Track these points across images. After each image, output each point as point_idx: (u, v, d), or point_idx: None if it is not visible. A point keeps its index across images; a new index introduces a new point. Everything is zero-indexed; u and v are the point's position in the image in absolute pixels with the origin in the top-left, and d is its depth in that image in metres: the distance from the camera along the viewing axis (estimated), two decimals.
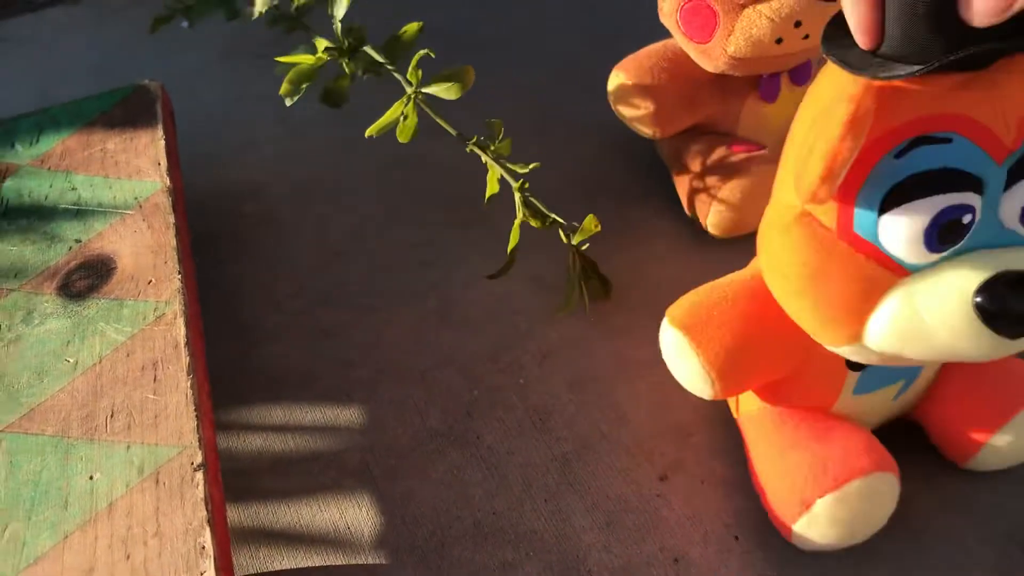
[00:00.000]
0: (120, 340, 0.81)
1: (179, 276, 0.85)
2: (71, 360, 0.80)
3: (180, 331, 0.80)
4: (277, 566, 0.78)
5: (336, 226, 1.09)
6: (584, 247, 0.90)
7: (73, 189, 0.96)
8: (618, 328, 0.93)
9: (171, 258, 0.87)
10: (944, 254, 0.57)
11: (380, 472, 0.84)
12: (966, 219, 0.56)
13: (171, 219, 0.91)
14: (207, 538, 0.65)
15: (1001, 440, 0.69)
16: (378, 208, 1.11)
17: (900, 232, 0.56)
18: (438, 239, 1.06)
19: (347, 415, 0.89)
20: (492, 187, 0.87)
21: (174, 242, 0.88)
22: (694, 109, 1.00)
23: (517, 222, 0.86)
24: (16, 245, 0.91)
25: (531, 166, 0.85)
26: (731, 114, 1.00)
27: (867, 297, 0.58)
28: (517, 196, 0.85)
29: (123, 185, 0.96)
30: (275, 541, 0.80)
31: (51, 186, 0.97)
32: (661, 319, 0.73)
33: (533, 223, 0.86)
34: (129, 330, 0.81)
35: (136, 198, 0.94)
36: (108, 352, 0.80)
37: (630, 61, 1.00)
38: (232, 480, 0.84)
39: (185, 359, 0.78)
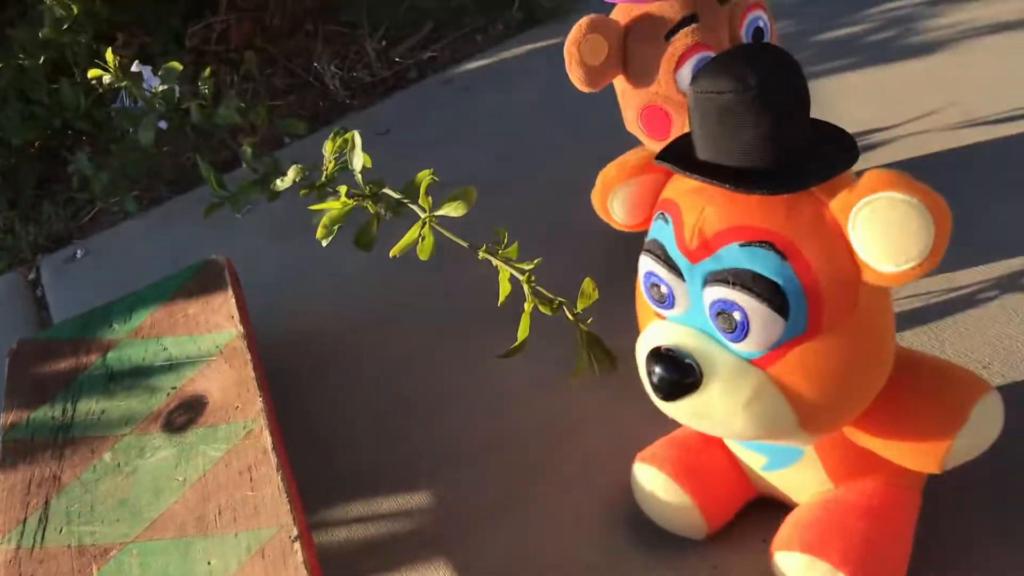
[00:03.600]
0: (219, 456, 0.96)
1: (260, 399, 1.01)
2: (180, 478, 0.95)
3: (267, 440, 0.95)
4: None
5: (389, 355, 1.26)
6: (589, 321, 1.02)
7: (164, 349, 1.14)
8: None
9: (252, 387, 1.03)
10: (669, 315, 0.73)
11: (452, 540, 0.97)
12: (664, 289, 0.72)
13: (247, 357, 1.08)
14: None
15: (964, 439, 0.74)
16: (422, 335, 1.27)
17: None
18: (474, 350, 1.21)
19: (416, 500, 1.03)
20: (504, 287, 1.02)
21: (252, 374, 1.05)
22: None
23: (527, 309, 1.01)
24: (124, 400, 1.08)
25: (535, 261, 1.00)
26: None
27: None
28: (526, 287, 1.00)
29: (205, 339, 1.13)
30: None
31: (146, 350, 1.15)
32: None
33: (543, 308, 1.00)
34: (225, 447, 0.97)
35: (217, 346, 1.11)
36: (210, 467, 0.95)
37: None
38: (331, 568, 0.97)
39: (273, 460, 0.93)
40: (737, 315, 0.67)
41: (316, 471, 1.10)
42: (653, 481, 0.87)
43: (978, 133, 1.33)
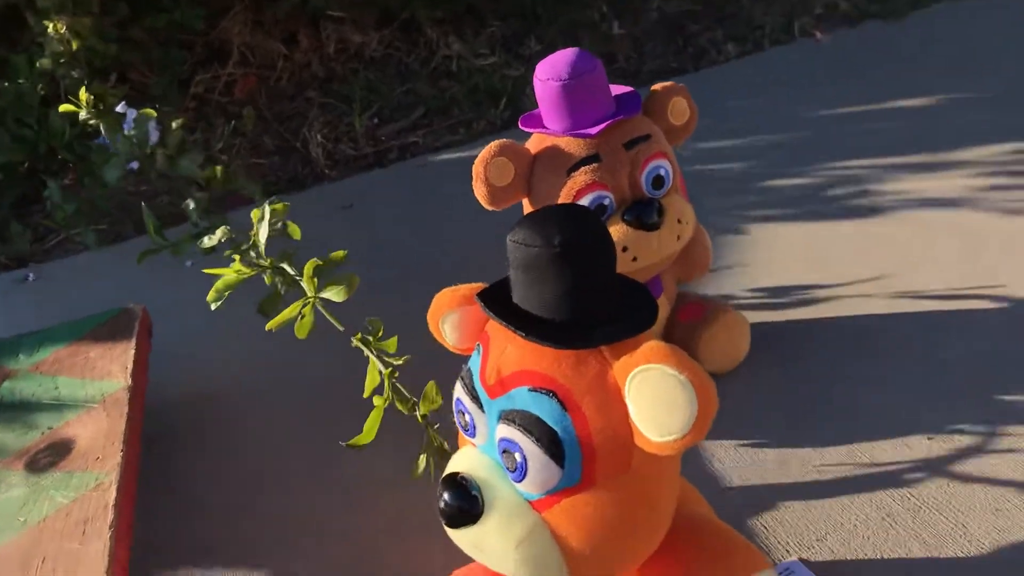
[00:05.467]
0: (65, 503, 0.99)
1: (120, 453, 1.04)
2: (22, 519, 0.98)
3: (112, 495, 0.98)
4: None
5: (281, 422, 1.29)
6: (437, 426, 1.05)
7: (56, 388, 1.18)
8: None
9: (117, 440, 1.06)
10: (476, 443, 0.77)
11: None
12: (467, 417, 0.75)
13: (125, 410, 1.11)
14: None
15: None
16: (318, 404, 1.31)
17: None
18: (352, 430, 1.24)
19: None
20: (372, 377, 1.05)
21: (123, 427, 1.08)
22: None
23: (380, 404, 1.03)
24: (2, 432, 1.12)
25: (404, 358, 1.03)
26: None
27: None
28: (386, 382, 1.04)
29: (95, 385, 1.17)
30: None
31: (39, 386, 1.19)
32: None
33: (400, 406, 1.03)
34: (73, 495, 1.00)
35: (103, 394, 1.15)
36: (52, 512, 0.98)
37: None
38: None
39: (110, 516, 0.95)
40: (518, 456, 0.70)
41: (171, 532, 1.12)
42: None
43: (887, 306, 1.36)
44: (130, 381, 1.17)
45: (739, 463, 1.11)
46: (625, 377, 0.68)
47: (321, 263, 1.08)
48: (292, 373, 1.39)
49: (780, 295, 1.42)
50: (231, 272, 1.11)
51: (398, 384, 1.02)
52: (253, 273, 1.12)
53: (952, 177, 1.69)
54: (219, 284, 1.11)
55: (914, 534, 0.98)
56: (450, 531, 0.75)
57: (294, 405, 1.32)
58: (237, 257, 1.12)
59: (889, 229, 1.56)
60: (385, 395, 1.02)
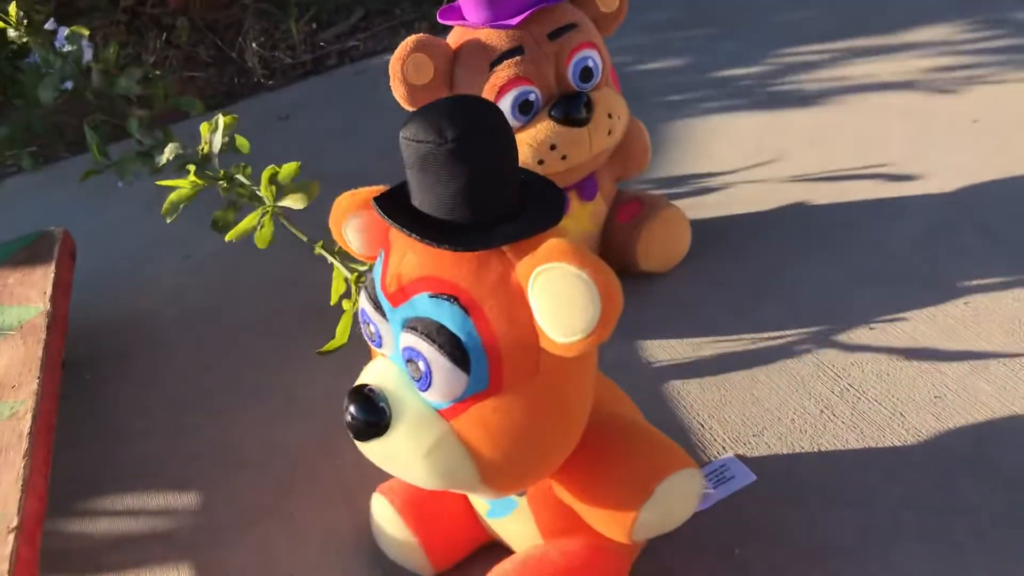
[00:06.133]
0: None
1: (37, 381, 1.00)
2: None
3: (27, 424, 0.95)
4: None
5: (211, 340, 1.25)
6: None
7: None
8: None
9: (34, 367, 1.02)
10: (385, 354, 0.73)
11: (203, 544, 0.96)
12: (372, 328, 0.72)
13: (43, 336, 1.07)
14: None
15: (649, 513, 0.73)
16: (250, 321, 1.27)
17: None
18: (294, 346, 1.20)
19: (185, 500, 1.02)
20: (337, 285, 1.02)
21: (40, 355, 1.04)
22: None
23: (349, 309, 1.01)
24: None
25: (368, 264, 1.00)
26: None
27: None
28: (353, 288, 1.01)
29: (11, 311, 1.13)
30: None
31: None
32: None
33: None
34: None
35: (20, 321, 1.11)
36: None
37: None
38: (77, 557, 0.97)
39: (24, 445, 0.92)
40: (422, 364, 0.67)
41: (101, 461, 1.09)
42: (384, 514, 0.87)
43: (834, 194, 1.33)
44: (49, 306, 1.12)
45: (676, 360, 1.09)
46: (527, 278, 0.64)
47: (278, 170, 1.05)
48: (221, 296, 1.35)
49: (723, 189, 1.38)
50: (186, 184, 1.07)
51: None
52: (207, 185, 1.08)
53: (900, 60, 1.64)
54: (173, 197, 1.08)
55: (851, 426, 0.97)
56: (360, 444, 0.72)
57: (223, 328, 1.28)
58: (192, 168, 1.08)
59: (838, 116, 1.52)
60: (353, 299, 0.99)
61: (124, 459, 1.09)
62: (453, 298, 0.66)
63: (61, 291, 1.17)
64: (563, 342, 0.64)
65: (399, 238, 0.70)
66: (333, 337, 1.06)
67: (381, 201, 0.70)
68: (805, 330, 1.09)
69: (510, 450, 0.69)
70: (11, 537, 0.83)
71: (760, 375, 1.05)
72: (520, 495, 0.79)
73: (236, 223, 1.13)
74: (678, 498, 0.74)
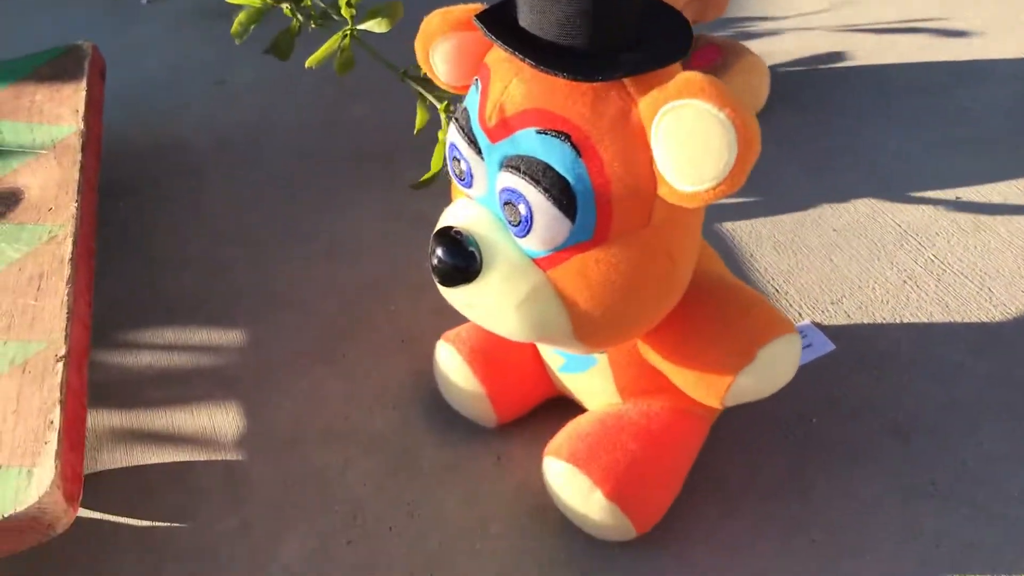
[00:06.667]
0: (16, 257, 0.90)
1: (75, 204, 0.94)
2: None
3: (67, 249, 0.89)
4: (146, 461, 0.87)
5: (251, 174, 1.18)
6: None
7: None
8: None
9: (72, 189, 0.96)
10: (471, 195, 0.67)
11: (250, 384, 0.92)
12: (463, 165, 0.65)
13: (79, 158, 1.00)
14: (56, 415, 0.74)
15: (747, 378, 0.68)
16: (291, 158, 1.20)
17: None
18: (341, 187, 1.14)
19: (229, 337, 0.98)
20: (422, 116, 0.94)
21: (77, 176, 0.98)
22: None
23: (443, 137, 0.94)
24: None
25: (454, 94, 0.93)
26: None
27: None
28: (443, 116, 0.94)
29: (43, 130, 1.05)
30: (149, 441, 0.89)
31: None
32: None
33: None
34: (25, 249, 0.91)
35: (52, 140, 1.04)
36: (3, 267, 0.89)
37: None
38: (120, 390, 0.93)
39: (67, 271, 0.87)
40: (523, 208, 0.61)
41: (138, 291, 1.04)
42: (450, 362, 0.83)
43: (916, 53, 1.24)
44: (83, 126, 1.05)
45: (750, 220, 1.03)
46: (652, 116, 0.57)
47: None
48: (256, 129, 1.27)
49: (798, 40, 1.29)
50: (255, 2, 0.97)
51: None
52: (278, 3, 0.99)
53: None
54: (242, 17, 0.99)
55: (936, 299, 0.92)
56: (443, 290, 0.67)
57: (261, 163, 1.21)
58: None
59: None
60: (444, 128, 0.93)
61: (164, 291, 1.04)
62: (565, 135, 0.59)
63: (93, 110, 1.10)
64: (687, 191, 0.57)
65: (503, 64, 0.62)
66: (383, 180, 1.00)
67: (484, 19, 0.62)
68: (887, 197, 1.03)
69: (610, 305, 0.63)
70: (60, 366, 0.78)
71: (839, 241, 0.99)
72: (602, 352, 0.74)
73: (291, 47, 1.05)
74: (779, 364, 0.69)
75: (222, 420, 0.90)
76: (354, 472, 0.84)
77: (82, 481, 0.74)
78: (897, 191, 1.04)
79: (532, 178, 0.60)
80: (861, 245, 0.98)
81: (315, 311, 0.99)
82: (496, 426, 0.84)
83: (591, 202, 0.60)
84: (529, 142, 0.60)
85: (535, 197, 0.60)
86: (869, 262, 0.96)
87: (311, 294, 1.01)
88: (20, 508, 0.69)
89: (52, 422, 0.74)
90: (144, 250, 1.09)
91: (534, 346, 0.82)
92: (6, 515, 0.69)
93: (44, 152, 1.02)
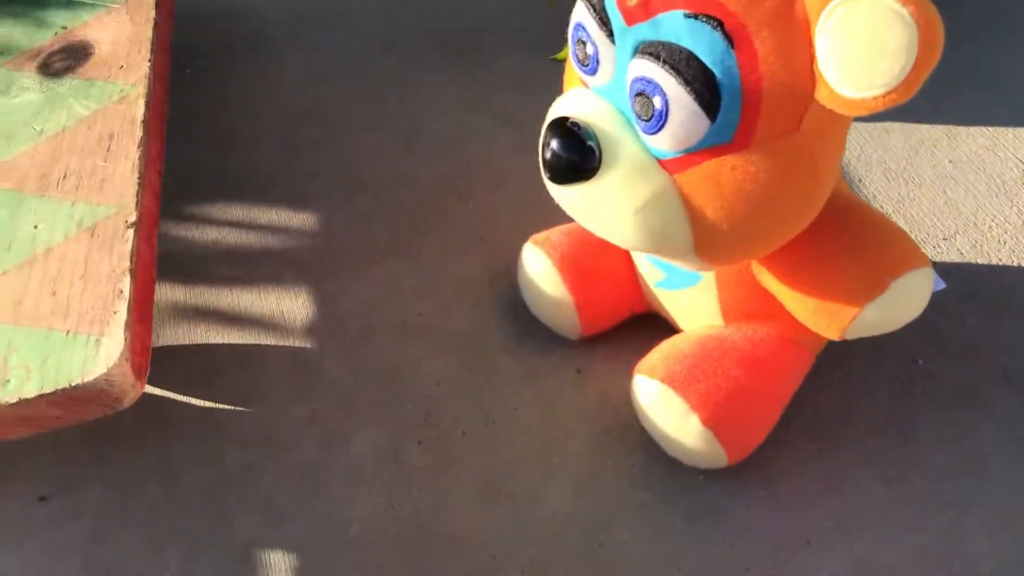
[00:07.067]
0: (85, 114, 0.85)
1: (148, 64, 0.89)
2: (38, 128, 0.84)
3: (139, 110, 0.84)
4: (211, 340, 0.83)
5: (325, 51, 1.12)
6: None
7: None
8: None
9: (145, 48, 0.90)
10: (591, 84, 0.61)
11: (322, 270, 0.88)
12: (590, 48, 0.59)
13: (152, 14, 0.94)
14: (126, 284, 0.70)
15: (874, 311, 0.63)
16: (368, 39, 1.13)
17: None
18: (419, 72, 1.08)
19: (300, 219, 0.93)
20: None
21: (151, 35, 0.92)
22: None
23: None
24: (6, 28, 0.95)
25: None
26: None
27: None
28: None
29: None
30: (215, 320, 0.85)
31: None
32: None
33: None
34: (95, 106, 0.86)
35: None
36: (72, 124, 0.84)
37: None
38: (186, 264, 0.89)
39: (139, 134, 0.82)
40: (657, 101, 0.55)
41: (206, 162, 0.99)
42: (537, 267, 0.78)
43: None
44: None
45: (859, 143, 0.96)
46: (821, 8, 0.51)
47: None
48: (331, 4, 1.20)
49: None
50: None
51: None
52: None
53: None
54: None
55: None
56: (553, 186, 0.62)
57: (336, 40, 1.14)
58: None
59: None
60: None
61: (233, 166, 0.99)
62: (717, 22, 0.53)
63: None
64: (851, 96, 0.51)
65: None
66: (465, 69, 0.93)
67: None
68: (1015, 125, 0.96)
69: (740, 218, 0.58)
70: (130, 233, 0.74)
71: (955, 173, 0.92)
72: (711, 269, 0.69)
73: None
74: (910, 299, 0.64)
75: (291, 305, 0.86)
76: (427, 370, 0.80)
77: (150, 355, 0.71)
78: (1022, 121, 0.96)
79: (673, 67, 0.54)
80: (979, 179, 0.91)
81: (389, 200, 0.94)
82: (578, 337, 0.80)
83: (737, 100, 0.54)
84: (674, 26, 0.54)
85: (674, 89, 0.54)
86: (987, 198, 0.90)
87: (385, 182, 0.96)
88: (88, 379, 0.65)
89: (121, 291, 0.70)
90: (213, 122, 1.04)
91: (628, 257, 0.77)
92: (73, 383, 0.65)
93: (116, 6, 0.96)
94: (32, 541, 0.71)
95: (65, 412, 0.68)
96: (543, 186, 0.62)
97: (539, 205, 0.88)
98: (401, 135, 1.01)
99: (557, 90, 0.93)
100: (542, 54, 0.97)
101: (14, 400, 0.65)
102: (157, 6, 0.96)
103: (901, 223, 0.88)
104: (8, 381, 0.66)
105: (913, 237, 0.86)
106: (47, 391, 0.65)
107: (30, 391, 0.65)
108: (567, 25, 0.61)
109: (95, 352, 0.67)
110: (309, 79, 1.09)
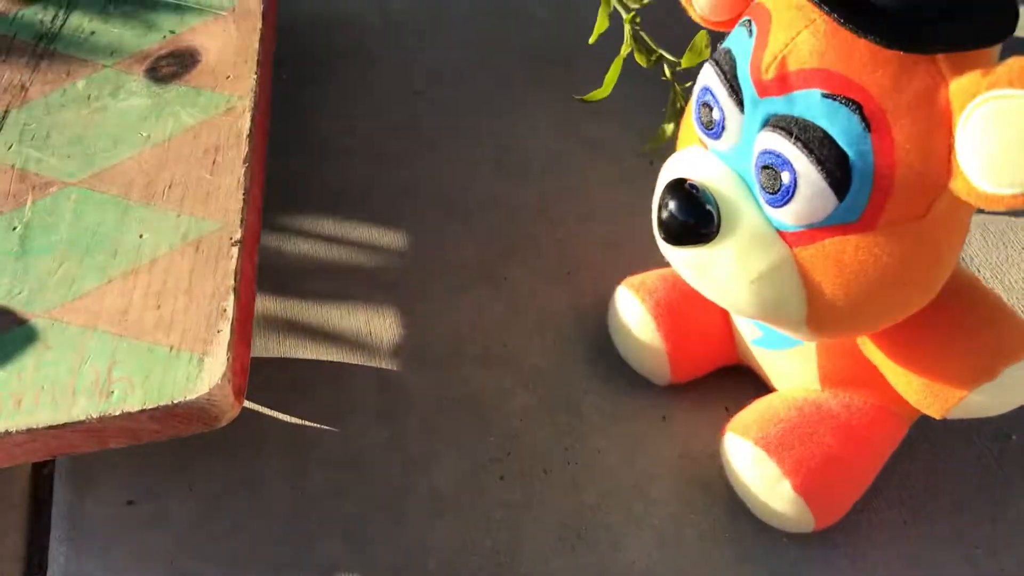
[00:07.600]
0: (191, 123, 0.86)
1: (255, 76, 0.90)
2: (145, 134, 0.86)
3: (246, 124, 0.85)
4: (298, 355, 0.85)
5: (420, 64, 1.12)
6: (688, 85, 0.88)
7: None
8: None
9: (251, 59, 0.91)
10: (712, 146, 0.61)
11: (410, 292, 0.89)
12: (716, 114, 0.58)
13: (259, 25, 0.95)
14: (230, 303, 0.71)
15: (981, 396, 0.62)
16: (464, 51, 1.13)
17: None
18: (512, 90, 1.08)
19: (391, 237, 0.94)
20: (602, 22, 0.87)
21: (257, 46, 0.93)
22: None
23: (623, 53, 0.87)
24: (117, 28, 0.97)
25: (647, 1, 0.85)
26: None
27: None
28: (627, 28, 0.86)
29: None
30: (302, 334, 0.86)
31: None
32: None
33: (639, 59, 0.86)
34: (201, 116, 0.87)
35: (232, 1, 0.99)
36: (178, 132, 0.86)
37: None
38: (275, 276, 0.91)
39: (244, 148, 0.83)
40: (786, 176, 0.54)
41: (299, 175, 1.01)
42: (631, 312, 0.78)
43: None
44: None
45: None
46: (966, 102, 0.50)
47: None
48: (426, 16, 1.20)
49: None
50: None
51: (641, 32, 0.85)
52: None
53: None
54: None
55: None
56: (666, 248, 0.62)
57: (431, 52, 1.15)
58: None
59: None
60: (626, 42, 0.85)
61: (326, 178, 1.00)
62: (856, 105, 0.52)
63: None
64: (989, 192, 0.50)
65: (790, 12, 0.55)
66: (559, 90, 0.92)
67: None
68: None
69: (857, 297, 0.57)
70: (235, 251, 0.75)
71: None
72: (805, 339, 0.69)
73: None
74: (1020, 386, 0.63)
75: (379, 325, 0.86)
76: (511, 404, 0.80)
77: (248, 374, 0.72)
78: None
79: (805, 145, 0.53)
80: None
81: (478, 223, 0.95)
82: (667, 383, 0.80)
83: (868, 184, 0.53)
84: (809, 105, 0.53)
85: (804, 166, 0.53)
86: None
87: (475, 203, 0.96)
88: (190, 397, 0.67)
89: (225, 310, 0.71)
90: (306, 130, 1.05)
91: (724, 310, 0.76)
92: (175, 401, 0.67)
93: (223, 13, 0.98)
94: (119, 545, 0.73)
95: (163, 427, 0.69)
96: (635, 222, 0.62)
97: (631, 242, 0.88)
98: (491, 155, 1.01)
99: (652, 127, 0.93)
100: (640, 84, 0.97)
101: (118, 412, 0.67)
102: (264, 17, 0.97)
103: (999, 290, 0.86)
104: (112, 392, 0.68)
105: (1009, 304, 0.85)
106: (149, 406, 0.67)
107: (133, 404, 0.67)
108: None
109: (197, 371, 0.68)
110: (403, 91, 1.09)
